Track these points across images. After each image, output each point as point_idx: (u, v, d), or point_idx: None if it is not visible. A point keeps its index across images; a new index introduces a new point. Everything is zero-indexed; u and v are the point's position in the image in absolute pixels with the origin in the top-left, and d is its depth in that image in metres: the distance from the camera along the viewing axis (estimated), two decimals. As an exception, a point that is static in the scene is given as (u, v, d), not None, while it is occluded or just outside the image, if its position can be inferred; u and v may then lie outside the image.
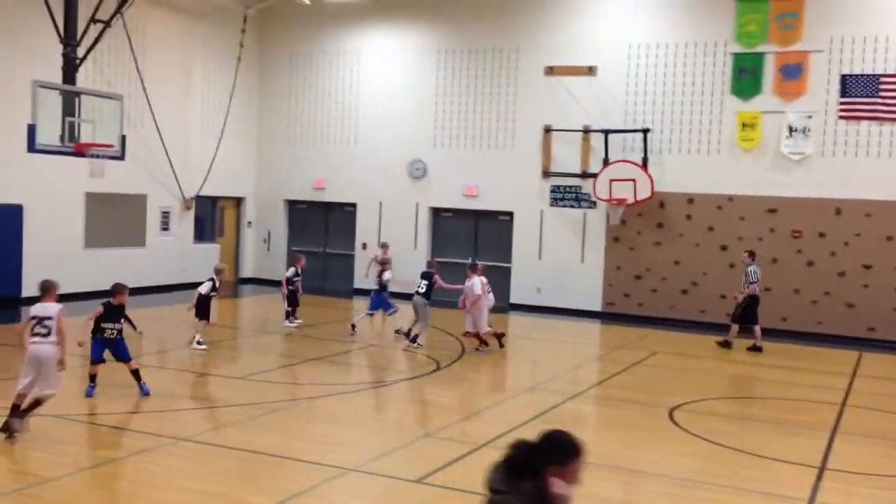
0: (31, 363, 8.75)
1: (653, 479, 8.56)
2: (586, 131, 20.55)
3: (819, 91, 18.63)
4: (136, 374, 10.86)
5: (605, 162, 20.05)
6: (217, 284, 14.54)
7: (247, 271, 24.77)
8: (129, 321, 11.25)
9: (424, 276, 15.81)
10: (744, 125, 19.25)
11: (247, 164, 24.54)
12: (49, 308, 8.89)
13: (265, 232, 24.73)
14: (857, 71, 18.32)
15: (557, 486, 3.43)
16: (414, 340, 15.24)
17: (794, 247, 18.89)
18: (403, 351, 15.15)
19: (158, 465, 8.33)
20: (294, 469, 8.33)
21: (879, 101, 18.17)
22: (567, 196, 20.98)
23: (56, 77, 16.58)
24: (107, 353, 10.83)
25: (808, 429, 10.80)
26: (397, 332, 16.25)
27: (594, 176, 20.11)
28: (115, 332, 10.77)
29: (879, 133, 18.21)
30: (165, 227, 22.06)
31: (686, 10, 19.86)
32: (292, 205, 24.70)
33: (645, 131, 19.84)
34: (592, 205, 20.60)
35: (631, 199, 19.56)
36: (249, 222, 24.87)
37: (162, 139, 21.19)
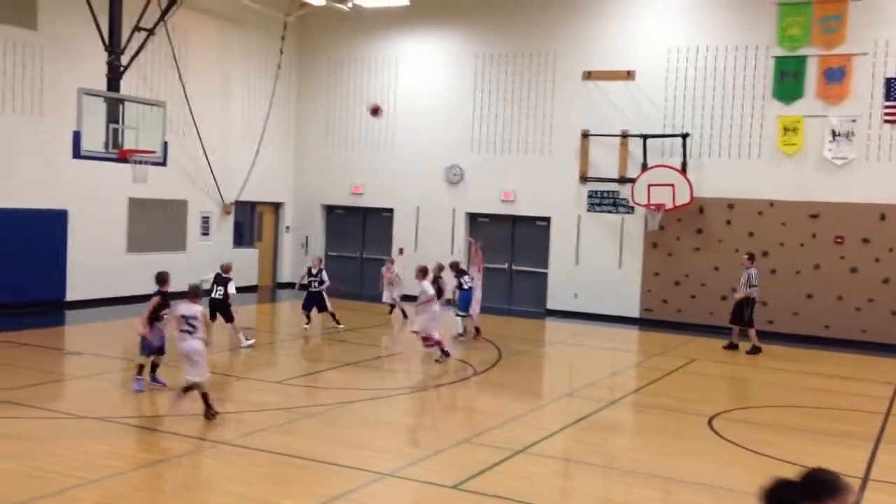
0: (185, 356, 10.00)
1: (691, 489, 8.44)
2: (624, 136, 20.42)
3: (863, 95, 18.31)
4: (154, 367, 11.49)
5: (644, 167, 19.90)
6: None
7: (284, 276, 24.95)
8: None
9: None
10: (785, 129, 18.98)
11: (285, 170, 24.78)
12: (195, 309, 10.14)
13: (303, 237, 24.93)
14: (902, 74, 18.02)
15: None
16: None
17: (838, 253, 18.57)
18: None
19: (197, 467, 8.43)
20: (330, 473, 8.38)
21: (926, 104, 17.84)
22: (605, 201, 20.85)
23: (101, 84, 16.95)
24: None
25: (851, 438, 10.59)
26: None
27: (632, 181, 19.97)
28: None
29: (926, 137, 17.88)
30: (205, 231, 22.35)
31: (726, 14, 19.64)
32: (330, 210, 24.87)
33: (684, 136, 19.64)
34: (630, 210, 20.45)
35: (669, 205, 19.38)
36: (287, 227, 25.09)
37: (202, 145, 21.49)
